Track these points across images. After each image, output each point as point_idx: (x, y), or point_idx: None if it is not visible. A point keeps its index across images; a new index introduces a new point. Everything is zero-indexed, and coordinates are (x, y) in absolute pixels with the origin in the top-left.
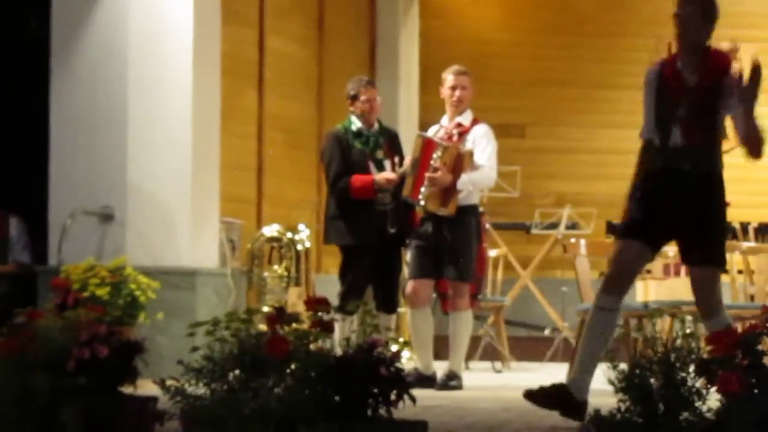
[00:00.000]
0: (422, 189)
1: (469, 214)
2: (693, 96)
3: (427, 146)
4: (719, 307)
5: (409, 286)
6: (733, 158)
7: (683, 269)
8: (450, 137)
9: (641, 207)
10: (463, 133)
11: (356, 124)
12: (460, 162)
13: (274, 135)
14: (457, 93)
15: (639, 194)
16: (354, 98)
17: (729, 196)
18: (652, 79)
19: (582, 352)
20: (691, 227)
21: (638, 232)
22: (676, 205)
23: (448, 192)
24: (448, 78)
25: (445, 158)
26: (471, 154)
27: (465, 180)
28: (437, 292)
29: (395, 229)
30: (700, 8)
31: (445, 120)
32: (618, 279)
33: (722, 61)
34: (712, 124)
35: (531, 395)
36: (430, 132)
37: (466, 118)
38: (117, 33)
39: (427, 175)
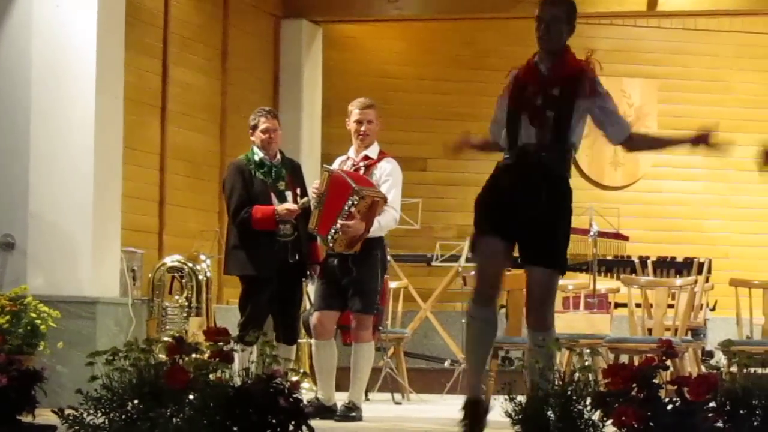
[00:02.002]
0: (332, 231)
1: (374, 247)
2: (548, 96)
3: (334, 182)
4: (552, 319)
5: (315, 317)
6: (635, 193)
7: (582, 302)
8: (357, 170)
9: (487, 209)
10: (370, 167)
11: (258, 154)
12: (373, 210)
13: (177, 165)
14: (363, 127)
15: (485, 199)
16: (255, 128)
17: (629, 231)
18: (510, 82)
19: (472, 359)
20: (537, 226)
21: (492, 229)
22: (525, 202)
23: (358, 237)
24: (354, 111)
25: (360, 207)
26: (385, 200)
27: (375, 226)
28: (338, 324)
29: (296, 260)
30: (563, 12)
31: (352, 152)
32: (485, 284)
33: (579, 63)
34: (566, 125)
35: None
36: (336, 163)
37: (373, 151)
38: (20, 62)
39: (341, 222)
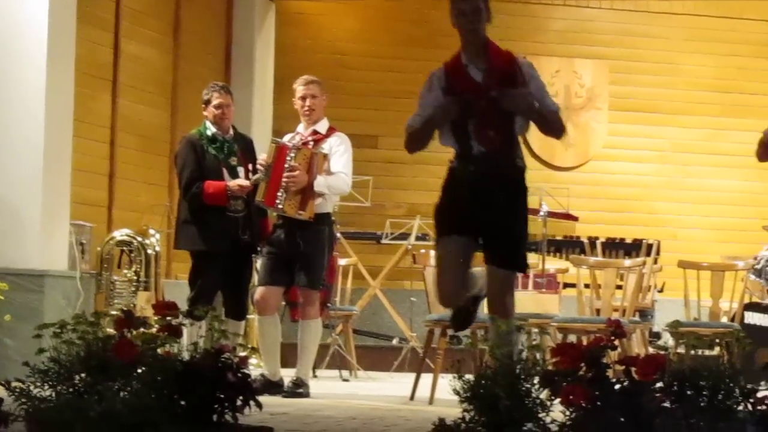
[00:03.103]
0: (279, 194)
1: (322, 222)
2: (489, 101)
3: (280, 152)
4: (513, 309)
5: (258, 293)
6: (585, 174)
7: (530, 282)
8: (306, 144)
9: (445, 223)
10: (318, 141)
11: (211, 129)
12: (314, 163)
13: (127, 139)
14: (308, 102)
15: (444, 208)
16: (207, 103)
17: (579, 212)
18: (436, 84)
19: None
20: (497, 230)
21: (452, 227)
22: (485, 209)
23: (306, 195)
24: (298, 88)
25: (298, 159)
26: (324, 156)
27: (321, 182)
28: (287, 300)
29: (246, 236)
30: (483, 2)
31: (301, 128)
32: (452, 282)
33: (506, 55)
34: (511, 122)
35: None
36: (285, 139)
37: (322, 127)
38: None
39: (285, 176)
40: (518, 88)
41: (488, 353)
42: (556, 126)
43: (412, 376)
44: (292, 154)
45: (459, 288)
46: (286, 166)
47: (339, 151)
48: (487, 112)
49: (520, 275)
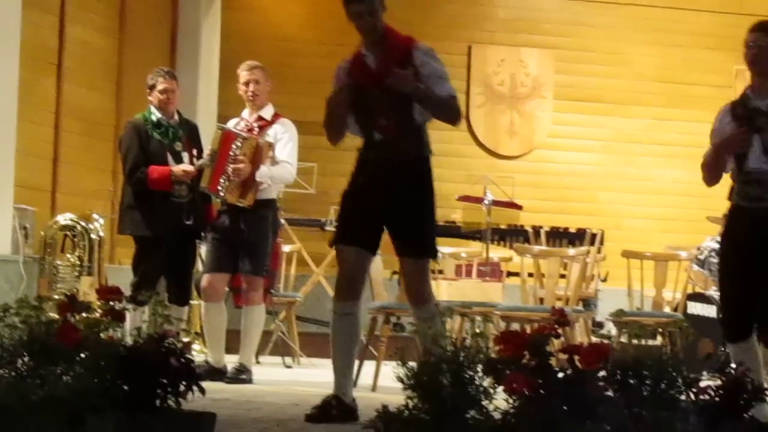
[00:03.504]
0: (221, 180)
1: (266, 208)
2: (384, 89)
3: (226, 138)
4: (431, 294)
5: (205, 279)
6: (530, 163)
7: (474, 271)
8: (251, 130)
9: (349, 208)
10: (264, 127)
11: (156, 114)
12: (259, 153)
13: (72, 123)
14: (251, 87)
15: (348, 195)
16: (152, 88)
17: (523, 201)
18: (342, 76)
19: (336, 357)
20: (402, 219)
21: (351, 238)
22: (386, 197)
23: (248, 184)
24: (242, 74)
25: (244, 149)
26: (270, 145)
27: (264, 172)
28: (230, 286)
29: (190, 222)
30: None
31: (246, 113)
32: (346, 285)
33: (403, 41)
34: (410, 110)
35: (312, 417)
36: (230, 124)
37: (267, 113)
38: None
39: (228, 168)
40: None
41: (419, 344)
42: (446, 111)
43: (355, 363)
44: (239, 143)
45: (351, 288)
46: (231, 154)
47: (284, 139)
48: (382, 100)
49: (464, 265)
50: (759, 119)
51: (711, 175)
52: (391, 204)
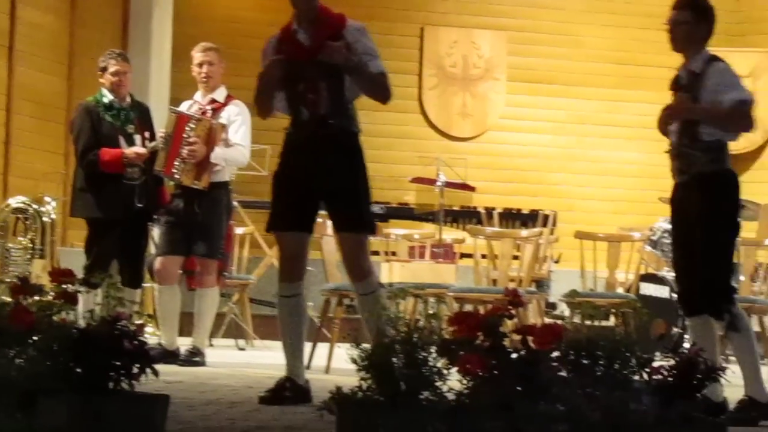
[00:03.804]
0: (176, 163)
1: (220, 191)
2: (314, 65)
3: (179, 121)
4: (370, 268)
5: (158, 262)
6: (483, 144)
7: (428, 252)
8: (204, 113)
9: (282, 191)
10: (217, 110)
11: (108, 97)
12: (212, 135)
13: (23, 106)
14: (205, 69)
15: (279, 177)
16: (104, 70)
17: (476, 183)
18: (270, 52)
19: (286, 339)
20: (338, 193)
21: (286, 222)
22: (319, 173)
23: (202, 166)
24: (196, 55)
25: (198, 131)
26: (223, 127)
27: (219, 154)
28: (183, 269)
29: (142, 204)
30: None
31: (198, 96)
32: (289, 267)
33: (335, 18)
34: (340, 87)
35: (265, 399)
36: (184, 107)
37: (220, 95)
38: None
39: (183, 150)
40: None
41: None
42: (377, 88)
43: (308, 345)
44: (192, 125)
45: (293, 269)
46: (185, 136)
47: (237, 121)
48: (313, 75)
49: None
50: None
51: None
52: (326, 179)
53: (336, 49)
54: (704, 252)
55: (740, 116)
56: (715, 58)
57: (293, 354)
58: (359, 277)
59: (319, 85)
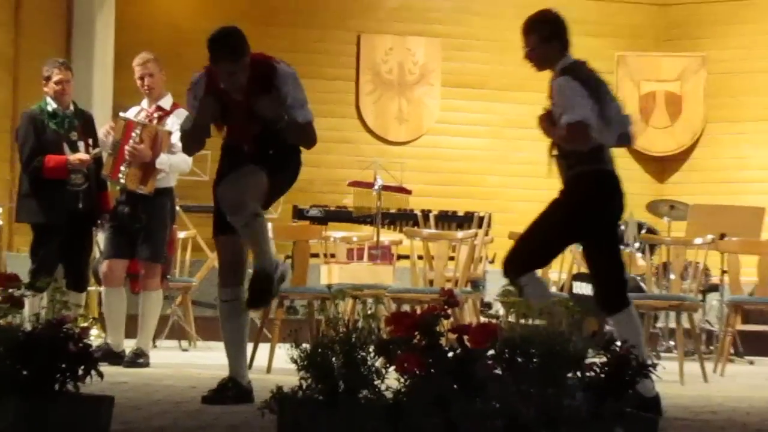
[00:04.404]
0: (122, 168)
1: (164, 196)
2: (240, 106)
3: (127, 128)
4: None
5: (105, 265)
6: (419, 148)
7: (366, 254)
8: (150, 120)
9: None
10: (163, 117)
11: (51, 105)
12: (158, 140)
13: None
14: (146, 81)
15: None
16: (48, 79)
17: (412, 186)
18: (199, 92)
19: (228, 342)
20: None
21: (227, 227)
22: None
23: (147, 170)
24: (136, 68)
25: (143, 135)
26: (169, 133)
27: (164, 159)
28: (127, 272)
29: (86, 209)
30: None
31: (145, 103)
32: (228, 272)
33: (267, 66)
34: (271, 122)
35: (208, 399)
36: (131, 113)
37: (166, 102)
38: None
39: (127, 148)
40: (271, 93)
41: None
42: (303, 137)
43: (250, 345)
44: (138, 131)
45: (233, 274)
46: (130, 141)
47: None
48: (244, 117)
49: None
50: None
51: None
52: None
53: (269, 106)
54: (613, 248)
55: (572, 138)
56: (562, 72)
57: (235, 356)
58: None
59: (248, 123)
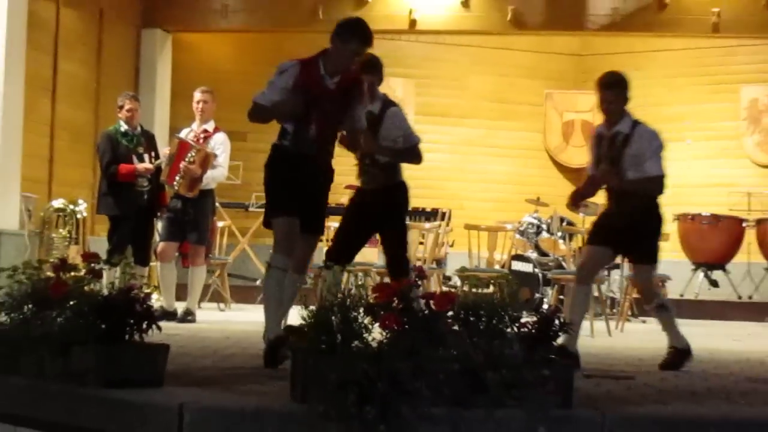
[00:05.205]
0: (177, 178)
1: (207, 196)
2: (332, 104)
3: (182, 147)
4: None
5: (160, 246)
6: None
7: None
8: (198, 139)
9: (290, 195)
10: (207, 137)
11: (123, 126)
12: (206, 160)
13: (62, 134)
14: (201, 106)
15: (286, 182)
16: (121, 107)
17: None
18: (289, 73)
19: (273, 307)
20: (315, 204)
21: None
22: (309, 187)
23: (194, 182)
24: (195, 94)
25: (197, 157)
26: (214, 155)
27: (208, 176)
28: (180, 252)
29: (149, 205)
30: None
31: (195, 126)
32: (285, 244)
33: (354, 76)
34: (336, 129)
35: (268, 362)
36: (183, 133)
37: (210, 126)
38: None
39: (182, 166)
40: (353, 102)
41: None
42: (413, 157)
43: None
44: (193, 153)
45: (290, 248)
46: (186, 159)
47: (221, 149)
48: (328, 113)
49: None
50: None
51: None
52: (311, 193)
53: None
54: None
55: (410, 155)
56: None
57: (275, 318)
58: (300, 271)
59: (329, 118)
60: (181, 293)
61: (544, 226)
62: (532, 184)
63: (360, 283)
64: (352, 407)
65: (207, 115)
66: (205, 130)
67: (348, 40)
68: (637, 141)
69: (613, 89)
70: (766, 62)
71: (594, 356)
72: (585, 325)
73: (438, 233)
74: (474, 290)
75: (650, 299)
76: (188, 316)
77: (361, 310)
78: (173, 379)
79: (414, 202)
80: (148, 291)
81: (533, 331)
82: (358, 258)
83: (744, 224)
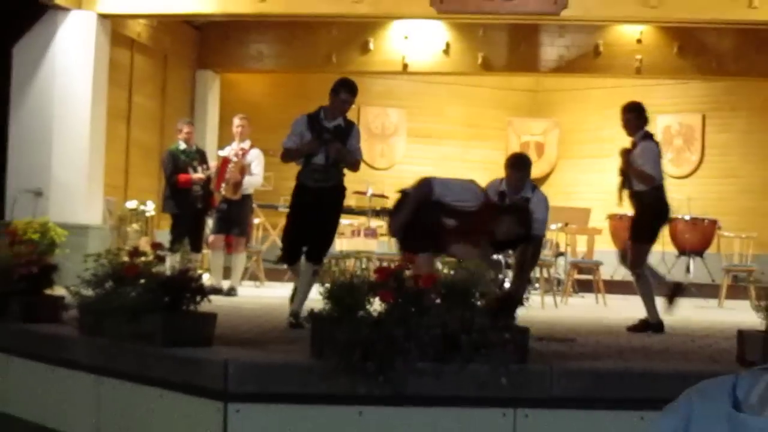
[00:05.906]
0: (222, 184)
1: (247, 198)
2: (329, 140)
3: (224, 162)
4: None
5: (211, 237)
6: (393, 172)
7: (362, 232)
8: (237, 155)
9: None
10: (245, 153)
11: (182, 145)
12: (243, 170)
13: (135, 151)
14: (239, 129)
15: (300, 210)
16: (180, 130)
17: (389, 193)
18: (300, 123)
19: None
20: (323, 228)
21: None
22: (319, 213)
23: (236, 186)
24: (235, 121)
25: (235, 168)
26: (249, 165)
27: (246, 181)
28: (225, 242)
29: (202, 206)
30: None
31: (234, 144)
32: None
33: (349, 121)
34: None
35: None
36: (226, 151)
37: (246, 144)
38: (47, 90)
39: (227, 175)
40: (349, 140)
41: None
42: (354, 167)
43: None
44: (232, 166)
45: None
46: (228, 170)
47: (256, 161)
48: (329, 150)
49: (355, 230)
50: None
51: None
52: (320, 218)
53: (338, 151)
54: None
55: (356, 164)
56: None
57: (300, 298)
58: (316, 262)
59: (331, 155)
60: (226, 274)
61: None
62: None
63: (364, 266)
64: (357, 362)
65: (244, 136)
66: (243, 148)
67: (338, 92)
68: (535, 204)
69: (524, 169)
70: (676, 97)
71: (544, 323)
72: (536, 299)
73: None
74: (452, 272)
75: (633, 269)
76: (231, 291)
77: (366, 286)
78: (220, 340)
79: None
80: (200, 272)
81: (497, 304)
82: (361, 246)
83: None
